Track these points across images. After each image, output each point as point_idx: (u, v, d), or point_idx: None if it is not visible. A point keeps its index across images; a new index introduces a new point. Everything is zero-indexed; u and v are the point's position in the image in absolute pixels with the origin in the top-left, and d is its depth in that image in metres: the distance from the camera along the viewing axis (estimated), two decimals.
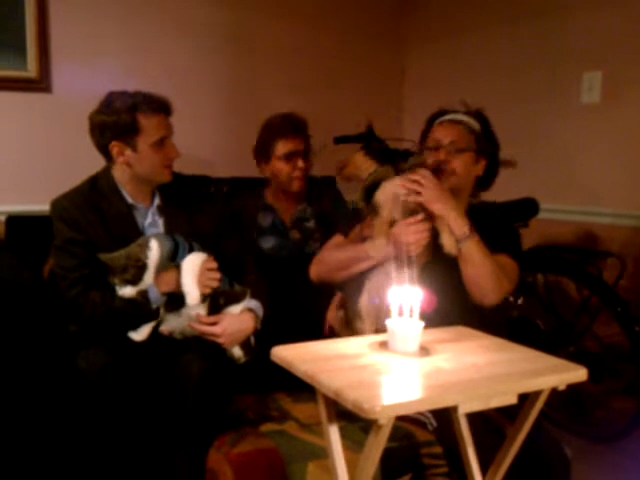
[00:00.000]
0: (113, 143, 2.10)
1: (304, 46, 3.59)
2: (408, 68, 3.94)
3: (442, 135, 2.06)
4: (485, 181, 2.14)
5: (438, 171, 2.02)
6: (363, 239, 2.03)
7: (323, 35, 3.64)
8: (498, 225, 2.11)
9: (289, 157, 2.58)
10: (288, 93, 3.27)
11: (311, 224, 2.67)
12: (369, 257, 1.97)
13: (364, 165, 2.09)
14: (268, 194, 2.71)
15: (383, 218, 1.96)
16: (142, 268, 2.00)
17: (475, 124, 2.08)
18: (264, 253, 2.59)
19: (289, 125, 2.61)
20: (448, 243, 1.90)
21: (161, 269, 2.04)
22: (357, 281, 2.00)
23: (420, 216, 1.91)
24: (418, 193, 1.90)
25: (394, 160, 2.05)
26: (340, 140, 2.92)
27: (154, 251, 2.02)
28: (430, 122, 2.16)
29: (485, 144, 2.09)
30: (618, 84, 2.91)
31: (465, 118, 2.09)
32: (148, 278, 2.02)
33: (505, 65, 3.39)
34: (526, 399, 1.49)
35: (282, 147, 2.58)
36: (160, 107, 2.12)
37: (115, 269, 1.99)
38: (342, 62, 3.70)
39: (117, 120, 2.06)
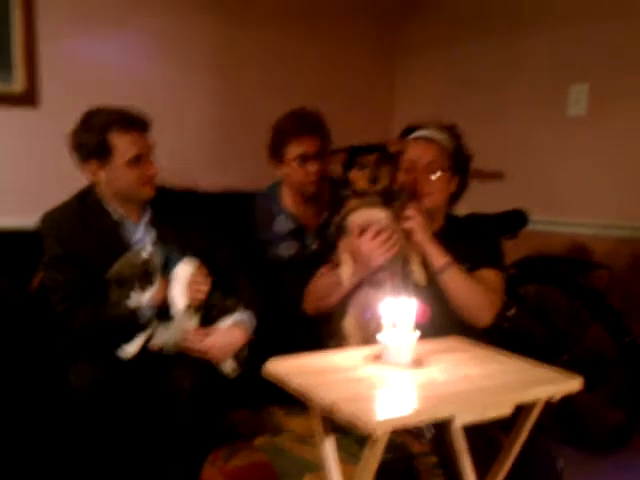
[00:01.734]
0: (88, 163, 2.10)
1: (293, 57, 3.59)
2: (398, 79, 3.96)
3: (420, 153, 2.05)
4: (456, 196, 2.15)
5: (414, 193, 2.02)
6: (337, 265, 2.02)
7: (313, 46, 3.64)
8: (483, 239, 2.12)
9: (302, 160, 2.40)
10: (277, 104, 3.25)
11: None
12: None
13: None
14: (286, 198, 2.53)
15: (348, 240, 1.95)
16: (151, 272, 2.00)
17: (449, 141, 2.08)
18: (280, 260, 2.47)
19: (301, 125, 2.41)
20: (417, 272, 1.91)
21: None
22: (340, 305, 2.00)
23: (376, 227, 1.92)
24: (410, 220, 1.93)
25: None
26: (334, 152, 2.91)
27: (152, 256, 2.01)
28: (402, 137, 2.14)
29: (459, 161, 2.09)
30: (605, 97, 2.94)
31: (439, 135, 2.08)
32: (157, 281, 2.02)
33: (493, 77, 3.41)
34: (521, 410, 1.49)
35: (294, 149, 2.39)
36: (133, 124, 2.10)
37: (127, 280, 1.98)
38: (332, 73, 3.70)
39: (90, 140, 2.07)
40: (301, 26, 3.61)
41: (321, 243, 2.46)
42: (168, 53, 3.25)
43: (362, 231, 1.93)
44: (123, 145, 2.07)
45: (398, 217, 1.93)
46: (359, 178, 1.93)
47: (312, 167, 2.40)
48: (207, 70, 3.37)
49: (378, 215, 1.93)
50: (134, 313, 2.01)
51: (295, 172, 2.42)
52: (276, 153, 2.45)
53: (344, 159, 1.96)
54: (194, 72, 3.33)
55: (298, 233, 2.50)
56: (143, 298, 1.99)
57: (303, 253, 2.48)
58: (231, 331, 2.13)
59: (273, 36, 3.51)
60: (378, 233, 1.91)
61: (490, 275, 2.00)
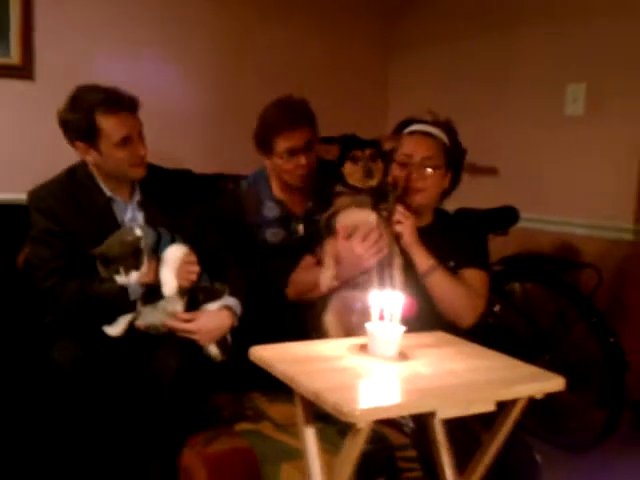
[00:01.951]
0: (77, 143, 2.08)
1: (289, 48, 3.58)
2: (393, 74, 3.95)
3: (414, 149, 2.04)
4: (448, 191, 2.15)
5: (406, 189, 2.02)
6: (319, 262, 2.02)
7: (308, 40, 3.64)
8: (467, 236, 2.12)
9: (291, 153, 2.34)
10: (271, 93, 3.26)
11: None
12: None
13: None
14: (274, 185, 2.49)
15: (333, 243, 1.95)
16: (140, 253, 1.98)
17: (444, 137, 2.08)
18: (267, 245, 2.44)
19: (288, 117, 2.35)
20: (397, 278, 1.91)
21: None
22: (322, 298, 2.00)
23: (364, 229, 1.92)
24: (399, 224, 1.93)
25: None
26: (323, 141, 2.90)
27: (142, 237, 2.00)
28: (398, 130, 2.14)
29: (453, 158, 2.09)
30: (602, 96, 2.94)
31: (435, 130, 2.07)
32: (145, 263, 2.00)
33: (489, 74, 3.41)
34: (503, 407, 1.49)
35: (282, 143, 2.34)
36: (121, 105, 2.06)
37: (115, 259, 1.95)
38: (327, 67, 3.70)
39: (77, 122, 2.04)
40: (298, 18, 3.61)
41: (307, 230, 2.44)
42: (165, 33, 3.24)
43: (349, 234, 1.93)
44: (110, 127, 2.04)
45: (387, 219, 1.93)
46: (354, 171, 1.91)
47: (301, 160, 2.35)
48: (203, 55, 3.37)
49: (367, 217, 1.93)
50: (122, 291, 2.00)
51: (283, 164, 2.38)
52: (264, 145, 2.40)
53: (337, 152, 1.95)
54: (190, 56, 3.33)
55: (285, 220, 2.48)
56: (129, 279, 1.97)
57: (290, 239, 2.46)
58: (218, 315, 2.12)
59: (270, 27, 3.52)
60: (367, 235, 1.91)
61: (474, 275, 2.02)
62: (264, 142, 2.40)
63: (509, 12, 3.31)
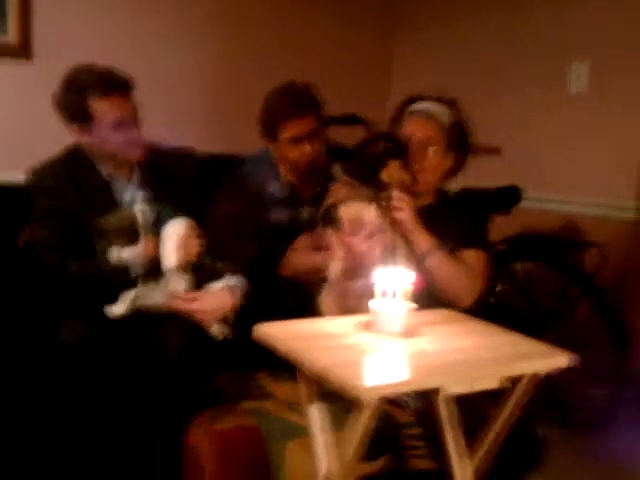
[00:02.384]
0: (72, 125, 2.07)
1: (290, 33, 3.56)
2: (396, 56, 3.92)
3: (415, 129, 2.02)
4: (453, 172, 2.12)
5: (406, 170, 1.98)
6: (316, 248, 2.01)
7: (309, 23, 3.61)
8: (468, 216, 2.11)
9: (295, 142, 2.33)
10: (272, 80, 3.25)
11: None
12: (323, 269, 1.94)
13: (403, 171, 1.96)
14: (282, 168, 2.46)
15: (339, 234, 1.92)
16: (137, 230, 1.98)
17: (447, 116, 2.05)
18: (270, 224, 2.41)
19: (293, 105, 2.32)
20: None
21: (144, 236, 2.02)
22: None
23: (370, 228, 1.89)
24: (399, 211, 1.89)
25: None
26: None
27: (140, 216, 1.99)
28: (402, 108, 2.12)
29: (456, 137, 2.06)
30: (606, 74, 2.92)
31: (438, 109, 2.05)
32: (142, 241, 1.99)
33: (492, 54, 3.38)
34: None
35: (287, 131, 2.32)
36: (113, 88, 2.03)
37: (112, 232, 1.95)
38: (329, 50, 3.68)
39: (70, 105, 2.03)
40: (299, 2, 3.57)
41: (313, 214, 2.37)
42: (165, 14, 3.22)
43: (352, 226, 1.90)
44: (103, 110, 2.02)
45: (387, 209, 1.90)
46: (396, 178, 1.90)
47: (305, 148, 2.34)
48: (203, 37, 3.34)
49: (368, 212, 1.90)
50: (122, 268, 2.00)
51: (289, 152, 2.36)
52: (269, 132, 2.38)
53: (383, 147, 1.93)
54: (190, 38, 3.30)
55: (292, 201, 2.46)
56: (123, 254, 1.96)
57: (295, 221, 2.44)
58: (220, 294, 2.12)
59: (271, 8, 3.48)
60: (371, 234, 1.89)
61: (473, 256, 2.00)
62: (268, 129, 2.37)
63: None
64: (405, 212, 1.89)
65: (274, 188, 2.44)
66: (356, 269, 1.90)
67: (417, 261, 1.90)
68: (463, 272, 1.94)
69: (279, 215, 2.43)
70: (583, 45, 3.00)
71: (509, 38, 3.30)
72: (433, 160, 2.03)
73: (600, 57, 2.94)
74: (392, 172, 1.89)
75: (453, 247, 1.98)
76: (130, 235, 1.96)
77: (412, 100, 2.11)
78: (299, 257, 2.12)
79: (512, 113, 3.26)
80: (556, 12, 3.09)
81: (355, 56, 3.78)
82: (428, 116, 2.04)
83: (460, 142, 2.09)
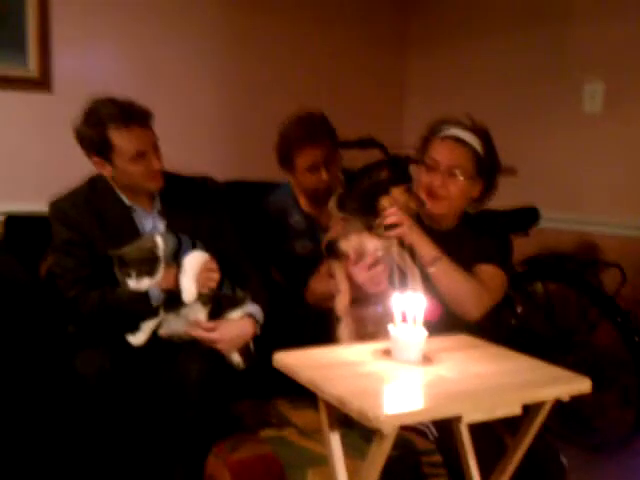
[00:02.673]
0: (93, 157, 2.09)
1: (304, 52, 3.59)
2: (409, 75, 3.94)
3: (442, 156, 2.00)
4: (480, 200, 2.10)
5: (430, 194, 1.99)
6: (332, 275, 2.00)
7: (323, 40, 3.63)
8: (489, 234, 2.09)
9: (312, 169, 2.39)
10: (287, 98, 3.26)
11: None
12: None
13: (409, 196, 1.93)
14: (301, 200, 2.53)
15: (344, 266, 1.92)
16: (156, 260, 1.99)
17: (478, 145, 2.02)
18: (295, 255, 2.45)
19: (309, 134, 2.39)
20: (415, 289, 1.83)
21: (164, 266, 2.03)
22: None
23: (370, 259, 1.88)
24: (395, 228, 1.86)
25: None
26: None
27: (161, 245, 2.01)
28: (432, 132, 2.09)
29: (485, 167, 2.04)
30: (620, 94, 2.92)
31: (468, 137, 2.02)
32: (161, 271, 2.01)
33: (507, 73, 3.39)
34: (529, 409, 1.48)
35: (303, 160, 2.39)
36: (133, 120, 2.05)
37: (130, 262, 1.96)
38: (342, 68, 3.70)
39: (91, 137, 2.05)
40: (313, 21, 3.61)
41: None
42: (182, 43, 3.26)
43: (357, 258, 1.90)
44: (123, 142, 2.04)
45: (383, 233, 1.87)
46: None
47: (323, 175, 2.38)
48: (218, 62, 3.38)
49: (370, 242, 1.89)
50: (143, 298, 2.01)
51: (306, 179, 2.42)
52: (286, 161, 2.44)
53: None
54: (206, 64, 3.35)
55: (312, 231, 2.49)
56: (140, 285, 1.98)
57: (317, 251, 2.46)
58: (240, 323, 2.13)
59: (284, 28, 3.52)
60: (372, 265, 1.88)
61: (486, 270, 1.98)
62: (285, 159, 2.43)
63: (526, 10, 3.30)
64: (401, 227, 1.86)
65: (295, 220, 2.48)
66: (367, 297, 1.89)
67: (425, 276, 1.89)
68: (469, 282, 1.91)
69: (300, 246, 2.46)
70: (597, 65, 3.00)
71: (523, 58, 3.31)
72: (458, 188, 2.01)
73: (615, 76, 2.93)
74: (396, 198, 1.87)
75: (470, 263, 1.97)
76: (149, 266, 1.98)
77: (443, 124, 2.07)
78: (319, 283, 2.12)
79: (527, 132, 3.26)
80: (570, 32, 3.10)
81: (366, 76, 3.80)
82: (458, 142, 2.01)
83: (489, 172, 2.06)
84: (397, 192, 1.88)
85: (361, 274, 1.88)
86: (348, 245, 1.90)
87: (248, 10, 3.42)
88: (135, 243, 2.02)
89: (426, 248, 1.89)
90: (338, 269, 1.92)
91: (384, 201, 1.86)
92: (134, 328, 2.05)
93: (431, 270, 1.88)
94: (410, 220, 1.89)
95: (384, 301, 1.76)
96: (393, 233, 1.86)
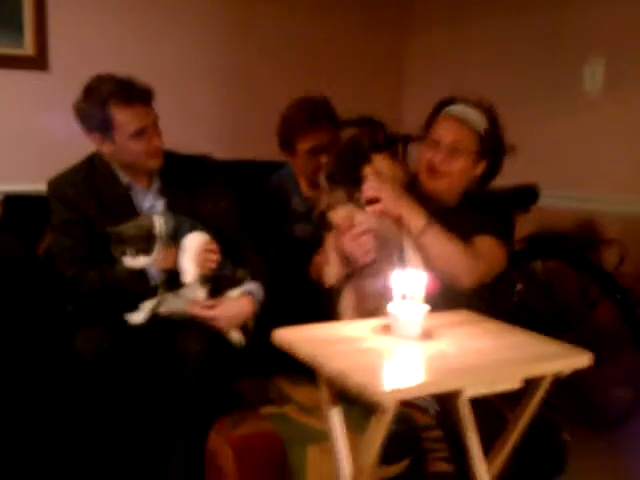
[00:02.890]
0: (93, 134, 2.08)
1: (301, 33, 3.56)
2: (408, 58, 3.91)
3: (445, 133, 1.98)
4: (484, 179, 2.08)
5: (431, 171, 1.98)
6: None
7: (322, 26, 3.61)
8: (490, 210, 2.06)
9: (313, 153, 2.41)
10: (284, 81, 3.25)
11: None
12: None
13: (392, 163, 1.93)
14: (302, 183, 2.55)
15: (333, 238, 1.91)
16: (153, 239, 1.98)
17: (482, 123, 2.00)
18: (295, 238, 2.47)
19: (310, 118, 2.41)
20: (413, 259, 1.84)
21: (162, 246, 2.02)
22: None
23: (357, 229, 1.86)
24: (377, 201, 1.83)
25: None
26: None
27: (158, 224, 2.01)
28: (438, 109, 2.07)
29: (489, 146, 2.01)
30: (621, 72, 2.90)
31: (473, 115, 1.99)
32: (157, 250, 2.00)
33: (506, 55, 3.36)
34: (529, 384, 1.48)
35: (304, 143, 2.41)
36: (134, 97, 2.04)
37: (126, 240, 1.96)
38: (340, 50, 3.68)
39: (92, 114, 2.04)
40: (309, 5, 3.57)
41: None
42: (181, 23, 3.24)
43: (343, 229, 1.89)
44: (125, 119, 2.03)
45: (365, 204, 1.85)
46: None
47: (324, 158, 2.38)
48: (216, 47, 3.36)
49: (360, 214, 1.87)
50: (141, 277, 2.01)
51: (307, 163, 2.43)
52: (287, 145, 2.46)
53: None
54: (203, 48, 3.33)
55: (311, 215, 2.46)
56: (136, 262, 1.97)
57: (317, 234, 2.47)
58: (239, 301, 2.13)
59: (281, 15, 3.50)
60: (358, 234, 1.86)
61: (485, 241, 1.94)
62: (286, 142, 2.45)
63: None
64: (384, 199, 1.82)
65: (295, 202, 2.50)
66: (359, 271, 1.88)
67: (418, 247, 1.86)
68: (460, 250, 1.85)
69: (300, 229, 2.47)
70: (598, 43, 2.97)
71: (522, 37, 3.28)
72: (459, 165, 1.99)
73: (615, 54, 2.91)
74: (378, 166, 1.85)
75: (470, 237, 1.94)
76: (146, 244, 1.97)
77: (449, 102, 2.05)
78: (320, 258, 2.10)
79: (528, 113, 3.23)
80: (570, 12, 3.07)
81: (365, 57, 3.78)
82: (462, 120, 1.99)
83: (494, 151, 2.04)
84: (379, 159, 1.86)
85: (347, 243, 1.86)
86: (336, 216, 1.88)
87: (249, 2, 3.39)
88: (133, 221, 2.02)
89: (414, 219, 1.84)
90: (327, 240, 1.91)
91: (366, 170, 1.84)
92: (133, 307, 2.05)
93: (421, 240, 1.84)
94: (391, 191, 1.85)
95: (381, 276, 1.75)
96: (371, 209, 1.83)
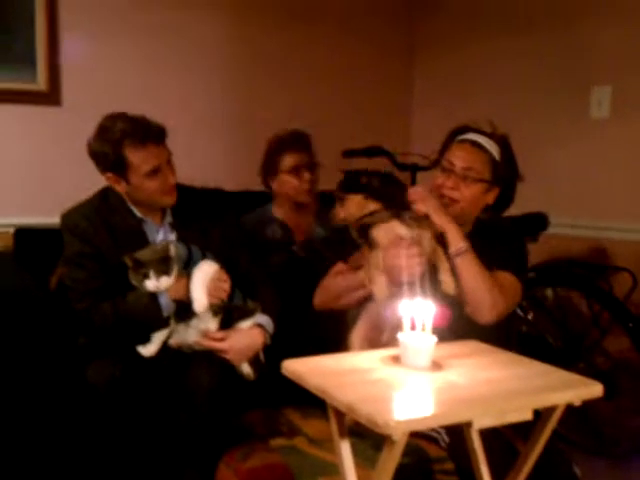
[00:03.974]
0: (107, 174, 2.09)
1: (312, 59, 3.59)
2: (417, 81, 3.94)
3: (457, 158, 1.99)
4: (497, 207, 2.08)
5: (442, 197, 1.98)
6: (358, 268, 1.99)
7: (331, 48, 3.63)
8: (506, 241, 2.06)
9: (296, 170, 2.59)
10: (295, 106, 3.26)
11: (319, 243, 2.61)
12: (362, 286, 1.94)
13: (365, 207, 1.94)
14: (276, 209, 2.69)
15: (377, 255, 1.90)
16: (170, 260, 2.01)
17: (496, 151, 2.00)
18: (273, 267, 2.51)
19: (295, 139, 2.64)
20: (446, 281, 1.86)
21: (177, 272, 2.04)
22: (352, 313, 1.98)
23: (411, 243, 1.87)
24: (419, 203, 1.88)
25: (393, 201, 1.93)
26: (349, 154, 2.91)
27: (173, 247, 2.03)
28: (452, 136, 2.08)
29: (501, 174, 2.01)
30: (627, 99, 2.91)
31: (487, 143, 2.00)
32: (175, 271, 2.02)
33: (514, 78, 3.38)
34: (540, 415, 1.47)
35: (289, 160, 2.60)
36: (148, 137, 2.05)
37: (146, 264, 1.98)
38: (350, 74, 3.69)
39: (106, 154, 2.04)
40: (321, 28, 3.61)
41: (308, 252, 2.56)
42: (190, 58, 3.28)
43: (393, 244, 1.89)
44: (139, 160, 2.04)
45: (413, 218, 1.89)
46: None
47: (305, 176, 2.60)
48: (227, 75, 3.39)
49: (401, 229, 1.89)
50: (154, 307, 2.02)
51: (290, 181, 2.60)
52: (271, 165, 2.64)
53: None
54: (215, 82, 3.36)
55: (287, 242, 2.62)
56: (159, 284, 1.99)
57: (292, 261, 2.56)
58: (249, 333, 2.13)
59: (290, 38, 3.53)
60: (409, 247, 1.87)
61: (506, 278, 1.95)
62: (271, 161, 2.64)
63: (534, 16, 3.29)
64: (426, 204, 1.87)
65: (271, 230, 2.64)
66: (396, 288, 1.87)
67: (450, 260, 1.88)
68: (489, 283, 1.86)
69: (276, 258, 2.55)
70: (604, 70, 2.99)
71: (531, 63, 3.30)
72: (470, 192, 1.99)
73: (622, 81, 2.93)
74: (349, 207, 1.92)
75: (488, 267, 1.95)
76: (165, 265, 2.00)
77: (462, 129, 2.06)
78: (330, 281, 2.09)
79: (536, 137, 3.25)
80: (577, 37, 3.09)
81: (376, 82, 3.79)
82: (475, 146, 2.00)
83: (506, 179, 2.03)
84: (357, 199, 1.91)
85: (398, 258, 1.86)
86: (380, 233, 1.89)
87: (257, 26, 3.42)
88: (147, 248, 2.05)
89: (456, 236, 1.87)
90: (372, 257, 1.90)
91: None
92: (145, 339, 2.06)
93: (457, 261, 1.86)
94: (439, 206, 1.90)
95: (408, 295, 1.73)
96: (418, 208, 1.88)
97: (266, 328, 2.15)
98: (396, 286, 1.86)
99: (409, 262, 1.85)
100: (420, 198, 1.89)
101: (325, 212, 2.57)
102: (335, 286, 2.07)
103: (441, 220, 1.88)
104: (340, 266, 2.10)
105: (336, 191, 1.97)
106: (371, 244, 1.91)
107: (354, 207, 1.92)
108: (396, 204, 1.90)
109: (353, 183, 1.92)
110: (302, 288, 2.20)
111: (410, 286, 1.81)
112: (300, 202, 2.63)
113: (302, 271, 2.30)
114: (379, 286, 1.88)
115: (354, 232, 1.97)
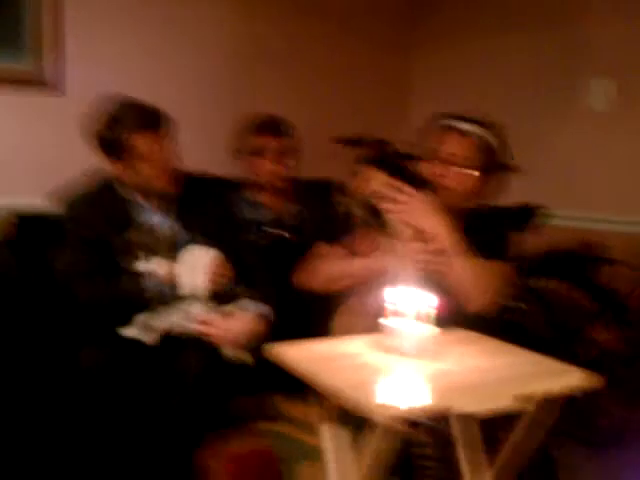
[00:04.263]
0: (109, 159, 2.11)
1: (309, 55, 3.57)
2: (415, 78, 3.93)
3: (447, 146, 1.97)
4: (488, 195, 2.07)
5: (432, 185, 1.95)
6: (355, 253, 1.98)
7: (328, 43, 3.61)
8: (494, 231, 2.04)
9: (259, 153, 2.56)
10: (291, 100, 3.24)
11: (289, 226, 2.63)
12: (372, 272, 1.91)
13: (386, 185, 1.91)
14: (252, 190, 2.66)
15: (402, 240, 1.89)
16: (158, 241, 2.05)
17: (486, 139, 1.98)
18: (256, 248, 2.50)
19: (274, 125, 2.61)
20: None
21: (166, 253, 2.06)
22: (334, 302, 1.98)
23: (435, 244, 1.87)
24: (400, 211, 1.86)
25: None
26: (343, 141, 2.88)
27: (160, 228, 2.07)
28: (436, 123, 2.04)
29: (493, 162, 2.00)
30: (628, 91, 2.90)
31: (477, 130, 1.97)
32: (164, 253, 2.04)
33: (513, 72, 3.37)
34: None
35: (253, 142, 2.57)
36: (150, 123, 2.08)
37: (137, 245, 2.01)
38: (347, 70, 3.67)
39: (107, 138, 2.07)
40: (318, 24, 3.58)
41: (302, 232, 2.55)
42: (190, 47, 3.25)
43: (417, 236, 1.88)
44: (140, 145, 2.06)
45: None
46: None
47: (292, 162, 2.60)
48: (231, 68, 3.36)
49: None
50: (140, 289, 2.03)
51: (257, 164, 2.57)
52: (247, 147, 2.59)
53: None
54: (220, 70, 3.33)
55: (259, 222, 2.59)
56: (150, 265, 2.00)
57: (277, 242, 2.56)
58: (246, 319, 2.12)
59: (292, 33, 3.50)
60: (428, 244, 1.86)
61: (500, 268, 1.93)
62: (242, 140, 2.60)
63: (533, 10, 3.27)
64: (410, 208, 1.86)
65: (247, 211, 2.59)
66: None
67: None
68: (481, 271, 1.86)
69: (258, 237, 2.54)
70: (605, 63, 2.98)
71: (530, 57, 3.29)
72: (459, 179, 1.97)
73: (622, 74, 2.92)
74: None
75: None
76: (154, 245, 2.02)
77: (449, 116, 2.02)
78: (333, 265, 2.04)
79: (535, 131, 3.24)
80: (579, 30, 3.08)
81: (373, 78, 3.77)
82: (464, 134, 1.97)
83: (497, 167, 2.02)
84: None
85: (421, 253, 1.85)
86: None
87: (261, 22, 3.40)
88: (140, 230, 2.07)
89: (452, 240, 1.86)
90: (390, 244, 1.90)
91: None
92: (129, 319, 2.06)
93: (453, 259, 1.85)
94: (426, 205, 1.87)
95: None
96: (401, 217, 1.87)
97: (259, 314, 2.14)
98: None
99: (428, 258, 1.84)
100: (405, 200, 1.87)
101: (304, 198, 2.61)
102: (333, 270, 2.02)
103: (436, 224, 1.87)
104: (326, 248, 2.07)
105: (358, 165, 1.93)
106: (384, 226, 1.90)
107: (377, 184, 1.89)
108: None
109: (380, 159, 1.90)
110: (281, 269, 2.18)
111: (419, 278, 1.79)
112: (275, 187, 2.61)
113: (289, 253, 2.28)
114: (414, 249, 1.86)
115: (360, 210, 1.95)
